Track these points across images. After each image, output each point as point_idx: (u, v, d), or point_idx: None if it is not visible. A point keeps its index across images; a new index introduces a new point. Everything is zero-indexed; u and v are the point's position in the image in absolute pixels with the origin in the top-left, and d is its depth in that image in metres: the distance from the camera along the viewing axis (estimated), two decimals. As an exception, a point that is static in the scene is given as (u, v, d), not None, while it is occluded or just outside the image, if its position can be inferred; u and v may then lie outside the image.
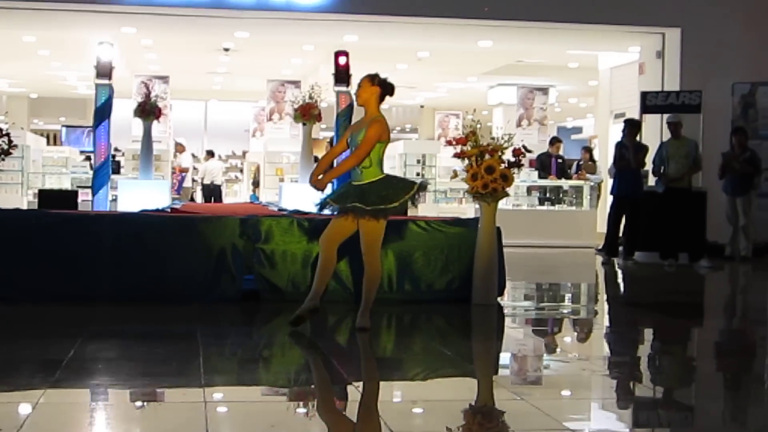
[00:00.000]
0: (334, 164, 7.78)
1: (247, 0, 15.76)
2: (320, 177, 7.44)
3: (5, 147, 8.52)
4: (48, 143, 26.37)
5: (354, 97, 7.77)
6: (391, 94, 7.54)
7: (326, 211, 7.53)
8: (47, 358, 6.18)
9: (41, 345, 6.77)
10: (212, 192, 24.94)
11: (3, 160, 8.56)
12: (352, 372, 6.28)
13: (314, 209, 7.76)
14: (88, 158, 22.01)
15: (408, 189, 7.33)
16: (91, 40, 14.79)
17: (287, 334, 7.48)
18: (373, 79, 7.44)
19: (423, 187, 7.59)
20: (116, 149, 20.79)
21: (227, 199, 28.05)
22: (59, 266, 8.71)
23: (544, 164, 18.64)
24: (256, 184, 24.73)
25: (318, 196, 7.53)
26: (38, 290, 8.59)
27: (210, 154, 26.50)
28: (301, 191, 14.83)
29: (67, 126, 31.55)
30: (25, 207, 16.48)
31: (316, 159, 18.33)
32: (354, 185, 7.33)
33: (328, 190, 7.70)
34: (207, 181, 25.11)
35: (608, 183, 17.97)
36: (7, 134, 8.58)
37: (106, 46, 14.03)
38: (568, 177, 19.02)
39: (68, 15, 16.40)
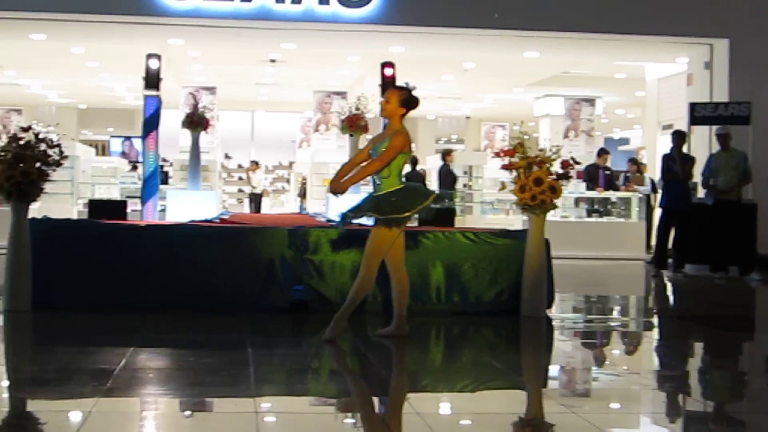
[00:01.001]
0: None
1: (294, 11, 15.82)
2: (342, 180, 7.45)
3: (56, 158, 8.56)
4: (97, 153, 26.61)
5: (380, 107, 7.73)
6: (415, 107, 7.55)
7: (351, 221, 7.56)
8: (98, 367, 6.24)
9: (92, 354, 6.82)
10: (255, 199, 25.59)
11: (54, 170, 8.61)
12: (401, 383, 6.27)
13: (337, 224, 7.86)
14: (134, 167, 22.18)
15: (423, 198, 7.35)
16: (139, 51, 14.92)
17: (336, 345, 7.48)
18: (398, 95, 7.45)
19: (439, 198, 7.64)
20: (164, 159, 20.94)
21: (274, 209, 28.29)
22: (109, 276, 8.80)
23: (591, 176, 18.56)
24: (303, 194, 24.84)
25: (340, 203, 7.59)
26: (89, 300, 8.67)
27: (255, 164, 26.86)
28: (348, 202, 14.85)
29: (115, 136, 31.89)
30: (75, 217, 16.63)
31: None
32: (372, 196, 7.42)
33: (349, 199, 7.76)
34: (257, 191, 25.58)
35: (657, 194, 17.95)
36: (58, 145, 8.63)
37: (154, 57, 14.12)
38: (616, 188, 18.92)
39: (116, 27, 16.53)
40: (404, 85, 7.55)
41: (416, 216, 7.58)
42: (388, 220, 7.25)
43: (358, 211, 7.42)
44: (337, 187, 7.42)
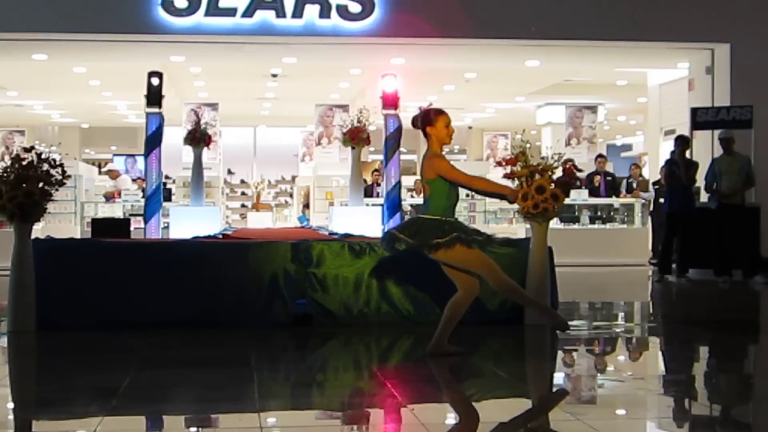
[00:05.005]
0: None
1: (294, 26, 15.83)
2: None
3: (59, 177, 8.58)
4: (100, 172, 26.65)
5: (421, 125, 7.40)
6: None
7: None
8: (103, 386, 6.24)
9: (97, 372, 6.84)
10: None
11: (57, 190, 8.63)
12: (406, 394, 6.26)
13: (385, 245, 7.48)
14: (134, 180, 22.18)
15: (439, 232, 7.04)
16: (141, 69, 14.93)
17: (340, 358, 7.49)
18: (422, 119, 7.37)
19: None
20: (167, 177, 20.96)
21: (278, 224, 28.27)
22: (113, 294, 8.80)
23: (592, 182, 18.60)
24: (306, 206, 24.85)
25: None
26: (92, 319, 8.68)
27: None
28: (351, 215, 14.88)
29: (118, 155, 31.94)
30: (78, 236, 16.64)
31: (365, 182, 18.41)
32: (445, 219, 7.12)
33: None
34: None
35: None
36: (61, 164, 8.65)
37: (156, 75, 14.14)
38: (618, 194, 18.93)
39: (118, 46, 16.57)
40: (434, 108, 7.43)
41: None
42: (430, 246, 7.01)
43: (430, 236, 7.02)
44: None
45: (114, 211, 18.98)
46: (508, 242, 9.68)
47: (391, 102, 14.29)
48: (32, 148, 8.69)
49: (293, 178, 30.38)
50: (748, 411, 6.17)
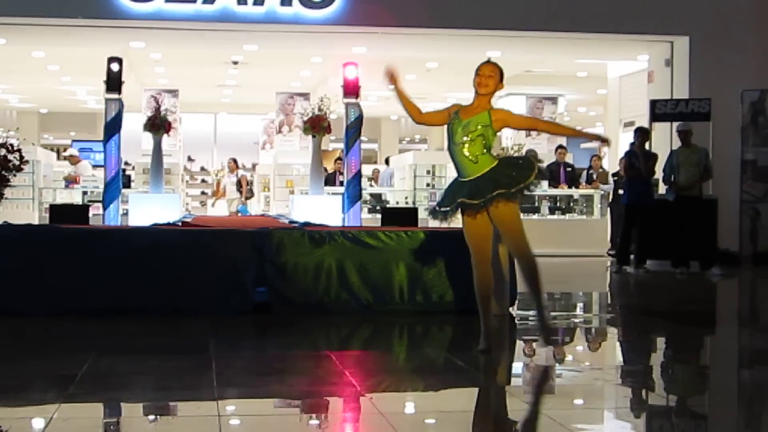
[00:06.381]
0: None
1: (256, 13, 15.78)
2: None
3: (17, 163, 8.53)
4: (58, 158, 26.44)
5: (478, 84, 6.92)
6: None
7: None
8: (61, 373, 6.20)
9: (54, 360, 6.79)
10: None
11: (15, 175, 8.58)
12: (365, 383, 6.27)
13: (431, 217, 7.25)
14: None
15: (530, 170, 6.82)
16: (101, 54, 14.82)
17: (299, 347, 7.49)
18: (501, 73, 6.96)
19: (543, 172, 7.07)
20: (126, 163, 20.82)
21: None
22: (71, 281, 8.73)
23: (553, 173, 18.64)
24: (248, 197, 24.65)
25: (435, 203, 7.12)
26: (50, 305, 8.61)
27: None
28: (311, 203, 14.87)
29: (77, 140, 31.69)
30: (36, 222, 16.51)
31: (326, 170, 18.39)
32: (477, 177, 6.77)
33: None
34: None
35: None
36: (19, 150, 8.60)
37: (116, 60, 14.04)
38: (578, 185, 19.01)
39: (77, 30, 16.43)
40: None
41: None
42: (513, 193, 6.72)
43: (474, 196, 6.72)
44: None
45: (73, 197, 18.83)
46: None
47: (352, 90, 14.29)
48: (-10, 133, 8.63)
49: (254, 166, 30.28)
50: (704, 402, 6.23)
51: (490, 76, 6.90)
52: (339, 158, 20.60)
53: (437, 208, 7.01)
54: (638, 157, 14.38)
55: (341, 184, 18.33)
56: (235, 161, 24.66)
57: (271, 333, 8.50)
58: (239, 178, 24.15)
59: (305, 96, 23.14)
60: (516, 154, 8.82)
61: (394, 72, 7.17)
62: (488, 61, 7.00)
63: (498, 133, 7.01)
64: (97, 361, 6.59)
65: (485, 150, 6.77)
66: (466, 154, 6.79)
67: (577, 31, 16.69)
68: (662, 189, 15.21)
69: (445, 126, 6.99)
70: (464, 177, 6.85)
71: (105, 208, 13.63)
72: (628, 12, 16.35)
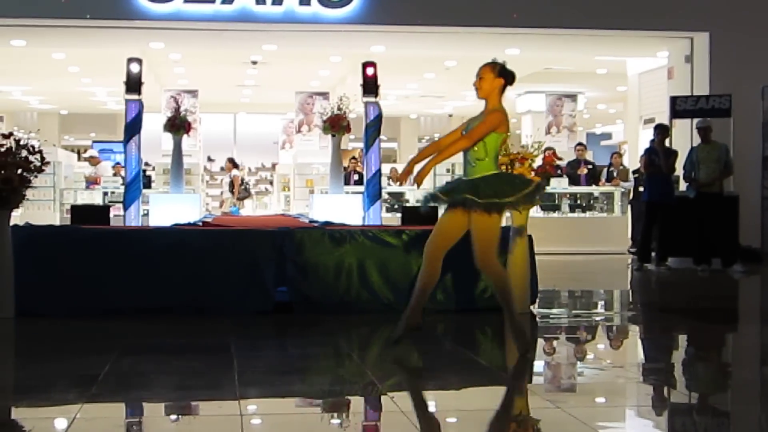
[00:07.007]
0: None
1: (275, 13, 15.81)
2: (422, 164, 6.99)
3: (38, 164, 8.53)
4: (79, 159, 26.52)
5: (474, 89, 7.03)
6: (512, 83, 7.04)
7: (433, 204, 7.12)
8: (83, 372, 6.22)
9: (77, 360, 6.81)
10: None
11: (36, 176, 8.58)
12: (387, 382, 6.26)
13: (421, 205, 7.31)
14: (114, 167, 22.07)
15: (525, 185, 6.85)
16: (120, 55, 14.88)
17: (320, 346, 7.49)
18: (494, 68, 6.93)
19: (541, 186, 7.08)
20: (147, 164, 20.89)
21: (258, 211, 28.20)
22: (93, 281, 8.77)
23: (572, 171, 18.63)
24: (243, 198, 24.67)
25: (421, 191, 7.19)
26: (72, 306, 8.64)
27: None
28: (331, 202, 14.87)
29: (97, 141, 31.81)
30: (58, 223, 16.57)
31: (345, 169, 18.40)
32: (465, 180, 6.88)
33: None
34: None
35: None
36: (40, 151, 8.60)
37: (135, 61, 14.09)
38: (598, 183, 18.97)
39: (97, 32, 16.50)
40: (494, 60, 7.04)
41: (517, 206, 7.07)
42: (489, 204, 6.66)
43: (451, 192, 6.88)
44: (416, 178, 6.97)
45: (93, 197, 18.90)
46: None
47: (371, 89, 14.29)
48: (11, 134, 8.63)
49: (273, 165, 30.33)
50: (727, 399, 6.20)
51: (481, 78, 6.96)
52: (354, 157, 20.63)
53: (438, 194, 7.04)
54: (658, 154, 14.33)
55: (355, 183, 18.36)
56: (232, 161, 24.69)
57: (292, 332, 8.50)
58: (232, 178, 24.20)
59: (324, 95, 23.17)
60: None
61: (404, 176, 7.15)
62: (483, 65, 7.02)
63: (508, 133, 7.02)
64: (119, 361, 6.62)
65: (485, 155, 6.80)
66: (468, 157, 6.89)
67: (596, 27, 16.64)
68: (683, 186, 15.15)
69: None
70: (465, 176, 6.95)
71: (126, 209, 13.67)
72: (647, 8, 16.30)
